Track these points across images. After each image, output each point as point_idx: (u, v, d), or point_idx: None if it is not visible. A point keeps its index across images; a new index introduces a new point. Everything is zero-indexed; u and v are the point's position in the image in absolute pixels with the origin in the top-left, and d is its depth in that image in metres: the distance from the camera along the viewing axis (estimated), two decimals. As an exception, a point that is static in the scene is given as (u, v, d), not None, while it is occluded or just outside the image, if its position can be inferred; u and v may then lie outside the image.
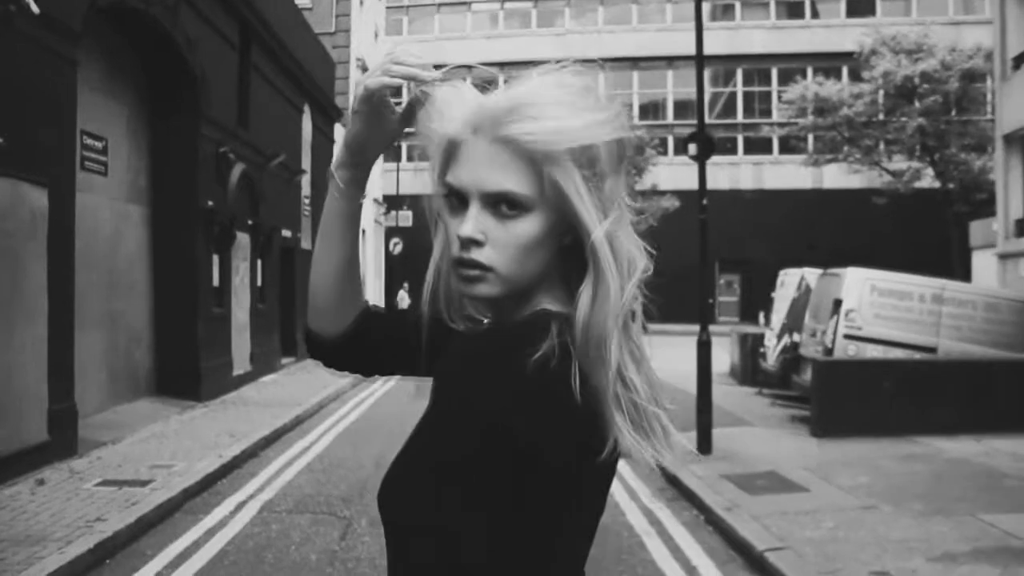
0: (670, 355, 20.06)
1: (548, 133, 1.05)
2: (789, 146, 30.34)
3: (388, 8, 31.17)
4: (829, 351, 9.62)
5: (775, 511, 5.84)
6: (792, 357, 11.81)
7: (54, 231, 6.80)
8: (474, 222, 1.08)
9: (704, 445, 7.89)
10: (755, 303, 27.91)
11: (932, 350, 9.67)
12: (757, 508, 5.91)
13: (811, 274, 12.28)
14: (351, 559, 4.97)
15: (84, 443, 7.35)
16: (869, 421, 8.55)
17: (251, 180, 12.76)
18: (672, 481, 7.16)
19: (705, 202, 7.71)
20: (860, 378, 8.86)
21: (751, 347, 14.46)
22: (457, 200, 1.10)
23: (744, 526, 5.45)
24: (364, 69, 24.66)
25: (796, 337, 12.14)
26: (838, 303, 9.72)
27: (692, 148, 7.80)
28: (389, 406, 11.23)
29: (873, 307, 9.65)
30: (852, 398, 8.73)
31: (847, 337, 9.59)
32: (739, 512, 5.78)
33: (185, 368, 10.32)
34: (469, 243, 1.08)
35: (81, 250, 7.94)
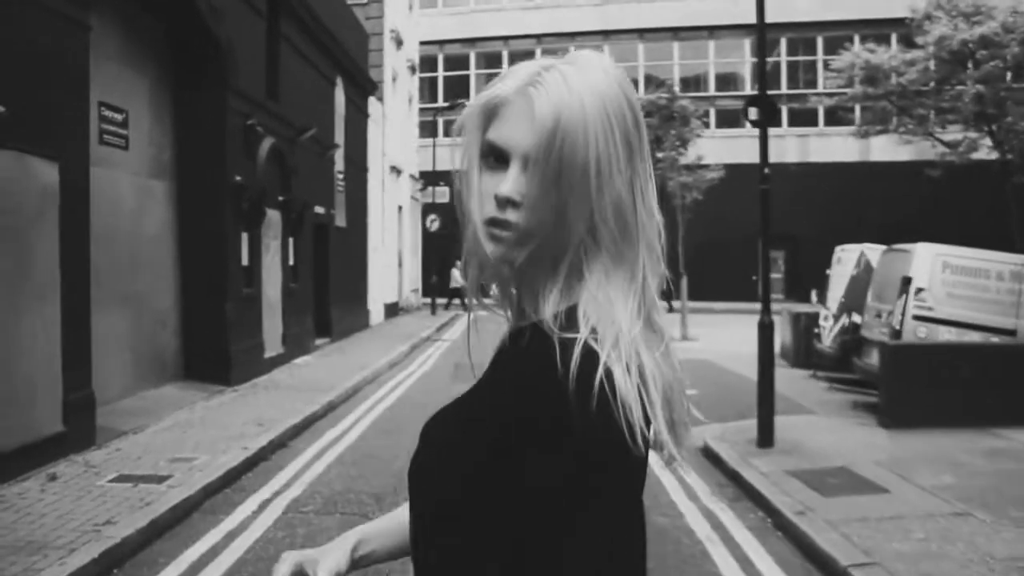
0: (718, 336, 19.29)
1: (587, 164, 1.06)
2: (835, 118, 29.21)
3: (422, -21, 30.46)
4: (897, 333, 8.91)
5: (854, 516, 5.23)
6: (852, 339, 11.13)
7: (67, 208, 6.34)
8: (513, 182, 1.07)
9: (765, 437, 7.29)
10: (801, 280, 27.07)
11: (1012, 333, 8.90)
12: (833, 512, 5.31)
13: (872, 250, 11.53)
14: (380, 570, 4.49)
15: (104, 432, 6.94)
16: (944, 411, 7.86)
17: (281, 154, 12.27)
18: (733, 477, 6.59)
19: (767, 171, 7.06)
20: (933, 363, 8.14)
21: (804, 327, 13.77)
22: (495, 159, 1.10)
23: (821, 535, 4.86)
24: (399, 41, 24.06)
25: (856, 318, 11.44)
26: (907, 281, 8.99)
27: (753, 112, 7.14)
28: (427, 389, 10.73)
29: (946, 286, 8.91)
30: (924, 385, 8.03)
31: (917, 318, 8.86)
32: (813, 517, 5.18)
33: (213, 351, 9.87)
34: (505, 203, 1.07)
35: (100, 228, 7.52)
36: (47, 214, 6.27)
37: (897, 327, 8.97)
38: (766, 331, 7.43)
